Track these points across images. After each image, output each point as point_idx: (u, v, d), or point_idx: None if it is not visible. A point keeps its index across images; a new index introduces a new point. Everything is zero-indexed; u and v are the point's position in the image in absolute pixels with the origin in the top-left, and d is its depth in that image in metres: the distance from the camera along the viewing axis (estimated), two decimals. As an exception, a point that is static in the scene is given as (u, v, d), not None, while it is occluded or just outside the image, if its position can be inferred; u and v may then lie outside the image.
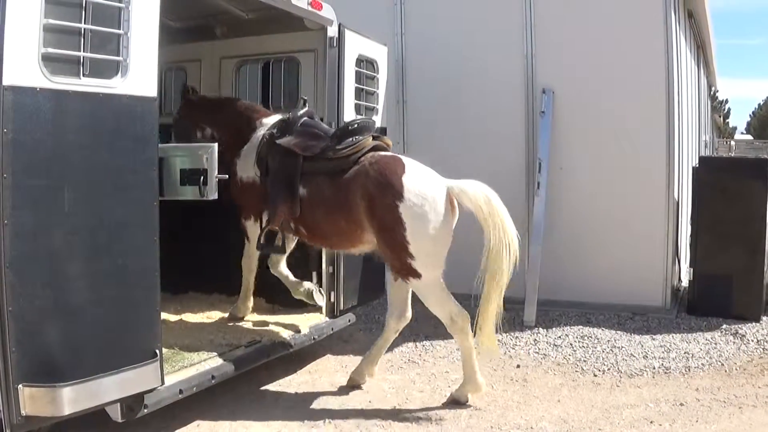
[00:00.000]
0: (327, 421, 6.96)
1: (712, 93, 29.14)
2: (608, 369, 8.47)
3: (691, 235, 11.04)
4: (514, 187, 11.17)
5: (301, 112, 8.00)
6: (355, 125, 7.64)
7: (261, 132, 8.15)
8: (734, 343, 9.27)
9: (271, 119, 8.28)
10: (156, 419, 6.44)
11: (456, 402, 7.43)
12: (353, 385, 7.91)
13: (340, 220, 7.37)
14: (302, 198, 7.51)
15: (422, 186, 7.18)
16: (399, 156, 7.55)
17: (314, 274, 8.81)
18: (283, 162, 7.61)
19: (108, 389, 5.42)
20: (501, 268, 7.25)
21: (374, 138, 7.65)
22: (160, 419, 6.56)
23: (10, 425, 4.96)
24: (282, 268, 8.39)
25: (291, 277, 8.46)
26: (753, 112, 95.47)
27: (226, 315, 8.64)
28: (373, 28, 9.80)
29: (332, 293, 8.68)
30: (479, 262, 7.32)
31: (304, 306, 8.79)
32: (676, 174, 10.77)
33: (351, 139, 7.48)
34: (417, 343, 9.45)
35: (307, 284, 8.47)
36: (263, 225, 7.98)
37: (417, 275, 7.21)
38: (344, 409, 7.30)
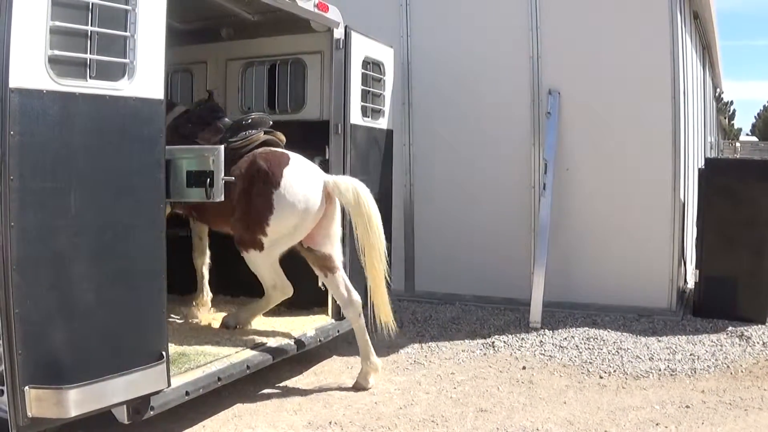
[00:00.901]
0: (333, 422, 6.96)
1: (717, 94, 29.06)
2: (614, 371, 8.46)
3: (696, 237, 11.02)
4: (519, 188, 11.20)
5: (204, 105, 8.51)
6: (249, 120, 8.17)
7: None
8: (740, 345, 9.27)
9: (175, 111, 8.47)
10: (162, 421, 6.44)
11: (226, 326, 8.27)
12: (360, 389, 7.94)
13: (227, 205, 7.56)
14: None
15: (299, 179, 7.71)
16: (287, 152, 7.98)
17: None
18: None
19: (114, 391, 5.42)
20: (374, 255, 7.84)
21: (267, 133, 8.15)
22: (167, 421, 6.55)
23: (17, 427, 4.96)
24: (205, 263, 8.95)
25: (205, 279, 8.95)
26: (758, 114, 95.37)
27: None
28: (379, 30, 9.83)
29: (338, 295, 8.71)
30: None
31: (310, 308, 8.83)
32: (682, 175, 10.76)
33: (244, 132, 7.99)
34: (423, 345, 9.46)
35: (207, 296, 8.95)
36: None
37: (260, 249, 7.73)
38: (350, 410, 7.30)
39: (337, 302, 8.28)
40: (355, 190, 7.72)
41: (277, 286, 8.02)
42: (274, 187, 7.57)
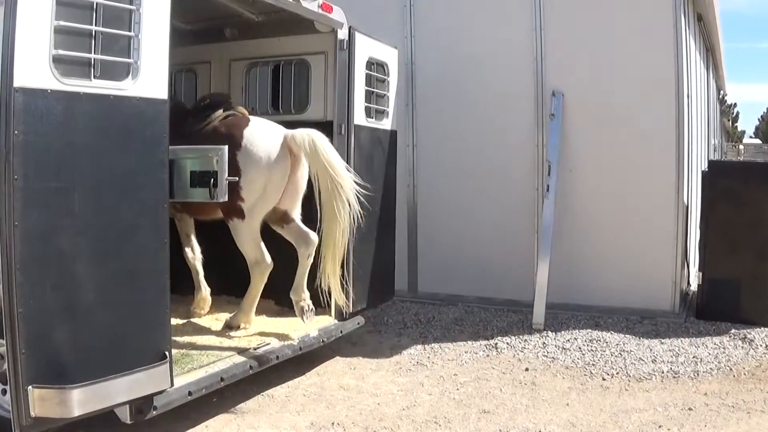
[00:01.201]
0: (335, 423, 6.96)
1: (721, 97, 29.08)
2: (617, 373, 8.45)
3: (700, 239, 11.01)
4: (523, 189, 11.20)
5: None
6: (207, 101, 8.44)
7: None
8: (743, 347, 9.25)
9: None
10: (165, 421, 6.44)
11: (229, 327, 8.30)
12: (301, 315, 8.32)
13: None
14: None
15: (259, 136, 7.89)
16: (247, 116, 8.23)
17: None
18: None
19: (117, 391, 5.43)
20: (335, 211, 7.86)
21: (227, 109, 8.27)
22: (169, 421, 6.56)
23: (20, 426, 4.97)
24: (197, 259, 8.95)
25: (201, 275, 8.92)
26: (761, 116, 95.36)
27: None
28: (383, 31, 9.82)
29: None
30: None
31: (314, 309, 8.83)
32: (686, 178, 10.73)
33: (204, 113, 8.19)
34: (426, 346, 9.45)
35: (206, 291, 8.93)
36: None
37: (242, 216, 7.83)
38: (353, 411, 7.30)
39: (294, 243, 8.34)
40: (311, 138, 7.80)
41: (259, 260, 8.06)
42: (236, 149, 7.64)
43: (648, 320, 10.31)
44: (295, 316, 8.64)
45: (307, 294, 8.28)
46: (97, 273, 5.34)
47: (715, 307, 10.45)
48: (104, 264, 5.39)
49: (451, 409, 7.37)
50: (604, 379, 8.28)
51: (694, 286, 11.88)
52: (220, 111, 8.17)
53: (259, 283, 8.19)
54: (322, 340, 8.36)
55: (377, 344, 9.51)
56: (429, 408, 7.41)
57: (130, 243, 5.57)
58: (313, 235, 8.19)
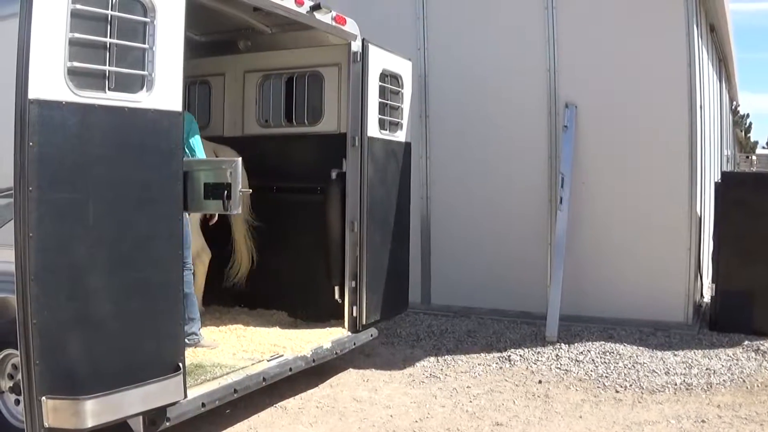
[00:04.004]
0: (348, 435, 6.97)
1: (733, 107, 28.95)
2: (630, 385, 8.43)
3: (713, 251, 10.98)
4: (536, 201, 11.20)
5: None
6: None
7: None
8: (756, 359, 9.22)
9: None
10: (178, 432, 6.46)
11: None
12: None
13: None
14: None
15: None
16: None
17: (336, 288, 8.81)
18: None
19: (131, 402, 5.44)
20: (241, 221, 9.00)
21: None
22: (182, 432, 6.58)
23: (33, 437, 4.99)
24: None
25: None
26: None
27: (248, 328, 8.66)
28: (396, 43, 9.82)
29: (354, 308, 8.67)
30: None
31: (327, 320, 8.82)
32: (699, 189, 10.74)
33: None
34: (439, 358, 9.44)
35: None
36: None
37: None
38: (365, 423, 7.29)
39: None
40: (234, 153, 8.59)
41: (200, 251, 8.72)
42: None
43: (661, 332, 10.27)
44: (309, 327, 8.68)
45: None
46: (111, 284, 5.36)
47: (728, 319, 10.41)
48: (118, 275, 5.41)
49: (464, 422, 7.35)
50: (617, 392, 8.26)
51: (707, 298, 11.84)
52: None
53: (202, 273, 8.74)
54: (336, 352, 8.34)
55: (390, 356, 9.50)
56: (442, 420, 7.40)
57: (144, 254, 5.58)
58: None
